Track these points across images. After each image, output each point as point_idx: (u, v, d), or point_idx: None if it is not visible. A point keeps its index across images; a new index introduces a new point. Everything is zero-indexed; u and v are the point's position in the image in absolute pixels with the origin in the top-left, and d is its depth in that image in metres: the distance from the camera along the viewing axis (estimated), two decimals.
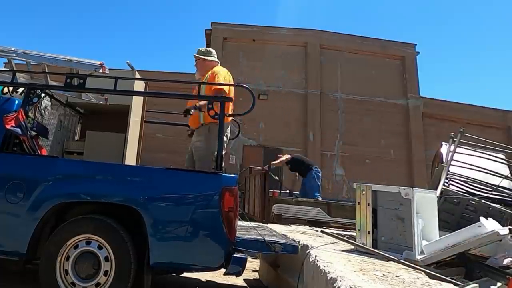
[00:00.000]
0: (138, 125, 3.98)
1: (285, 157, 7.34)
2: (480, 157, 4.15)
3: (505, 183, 3.94)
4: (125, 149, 3.66)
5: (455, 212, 3.60)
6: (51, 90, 3.61)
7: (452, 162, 4.10)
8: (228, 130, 3.57)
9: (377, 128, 13.31)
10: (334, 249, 2.67)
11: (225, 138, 3.38)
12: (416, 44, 14.44)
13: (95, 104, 3.98)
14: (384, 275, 1.89)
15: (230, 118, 3.49)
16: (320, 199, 6.73)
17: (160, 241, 2.52)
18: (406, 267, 2.17)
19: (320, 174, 7.29)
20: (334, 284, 1.72)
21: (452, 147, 4.22)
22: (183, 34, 54.46)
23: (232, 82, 3.67)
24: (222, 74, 3.51)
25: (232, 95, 3.41)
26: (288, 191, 7.83)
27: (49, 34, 48.61)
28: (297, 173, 7.80)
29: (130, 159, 3.79)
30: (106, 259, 2.46)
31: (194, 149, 3.48)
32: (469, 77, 49.18)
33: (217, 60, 3.74)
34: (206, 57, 3.67)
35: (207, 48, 3.77)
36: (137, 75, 3.74)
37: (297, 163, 7.30)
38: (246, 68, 13.44)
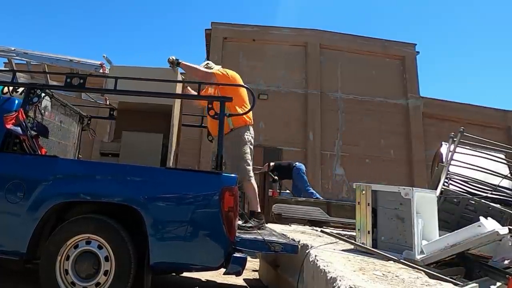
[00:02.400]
0: (176, 127, 3.73)
1: (264, 167, 6.86)
2: (480, 157, 4.15)
3: (505, 183, 3.95)
4: (169, 150, 3.41)
5: (455, 212, 3.61)
6: (51, 90, 3.61)
7: (452, 162, 4.10)
8: (251, 132, 3.50)
9: (377, 128, 13.29)
10: (334, 249, 2.67)
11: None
12: (416, 44, 14.41)
13: (135, 104, 3.64)
14: (384, 274, 1.89)
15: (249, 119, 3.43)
16: (314, 193, 6.69)
17: (160, 241, 2.52)
18: (406, 267, 2.17)
19: (302, 167, 7.11)
20: (334, 284, 1.72)
21: (452, 147, 4.22)
22: (183, 34, 54.46)
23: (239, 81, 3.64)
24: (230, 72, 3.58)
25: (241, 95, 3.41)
26: (288, 191, 7.83)
27: (49, 34, 48.62)
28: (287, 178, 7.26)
29: (169, 161, 3.53)
30: (106, 258, 2.47)
31: (227, 155, 3.31)
32: (469, 77, 49.20)
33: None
34: (214, 67, 3.62)
35: (208, 62, 3.74)
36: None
37: (280, 168, 6.98)
38: (246, 68, 13.42)
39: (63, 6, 45.46)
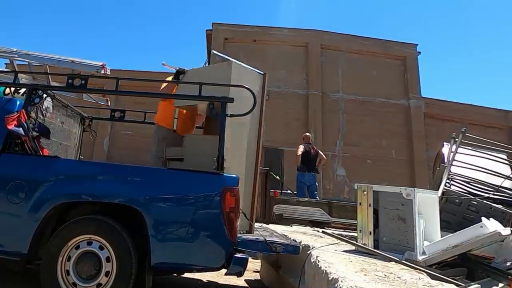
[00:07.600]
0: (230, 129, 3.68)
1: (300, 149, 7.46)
2: (481, 157, 4.14)
3: (507, 183, 3.93)
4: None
5: (457, 213, 3.60)
6: (53, 91, 3.62)
7: (454, 163, 4.09)
8: None
9: (379, 128, 13.28)
10: (336, 250, 2.66)
11: None
12: (417, 44, 14.40)
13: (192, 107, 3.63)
14: (385, 275, 1.89)
15: None
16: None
17: (161, 242, 2.51)
18: (408, 268, 2.17)
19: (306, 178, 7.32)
20: (336, 285, 1.71)
21: (454, 147, 4.21)
22: (184, 34, 54.50)
23: None
24: None
25: None
26: (290, 191, 7.83)
27: (51, 34, 48.72)
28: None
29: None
30: (108, 259, 2.47)
31: None
32: (470, 77, 49.10)
33: None
34: None
35: None
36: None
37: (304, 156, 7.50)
38: None
39: (63, 6, 45.57)
